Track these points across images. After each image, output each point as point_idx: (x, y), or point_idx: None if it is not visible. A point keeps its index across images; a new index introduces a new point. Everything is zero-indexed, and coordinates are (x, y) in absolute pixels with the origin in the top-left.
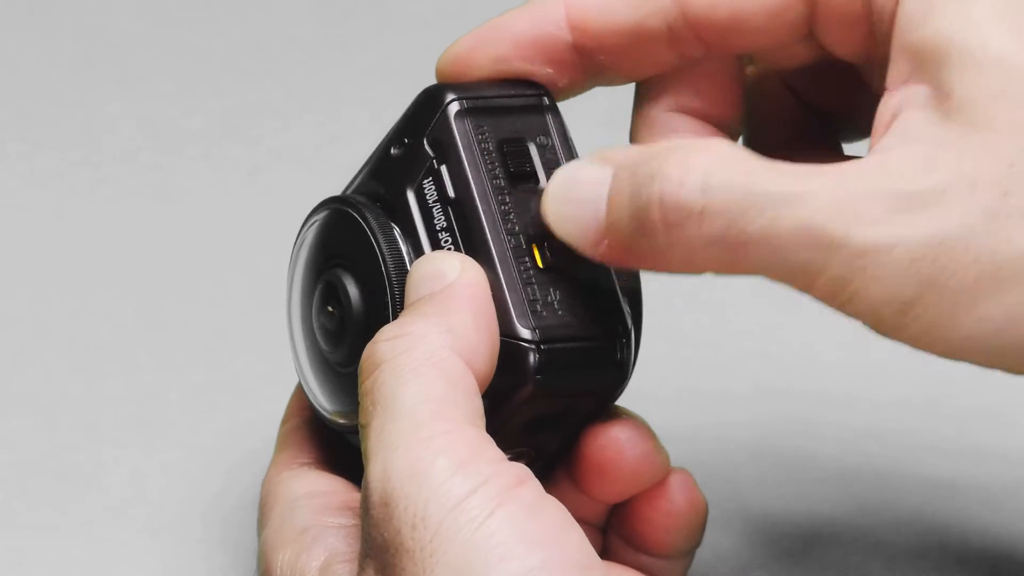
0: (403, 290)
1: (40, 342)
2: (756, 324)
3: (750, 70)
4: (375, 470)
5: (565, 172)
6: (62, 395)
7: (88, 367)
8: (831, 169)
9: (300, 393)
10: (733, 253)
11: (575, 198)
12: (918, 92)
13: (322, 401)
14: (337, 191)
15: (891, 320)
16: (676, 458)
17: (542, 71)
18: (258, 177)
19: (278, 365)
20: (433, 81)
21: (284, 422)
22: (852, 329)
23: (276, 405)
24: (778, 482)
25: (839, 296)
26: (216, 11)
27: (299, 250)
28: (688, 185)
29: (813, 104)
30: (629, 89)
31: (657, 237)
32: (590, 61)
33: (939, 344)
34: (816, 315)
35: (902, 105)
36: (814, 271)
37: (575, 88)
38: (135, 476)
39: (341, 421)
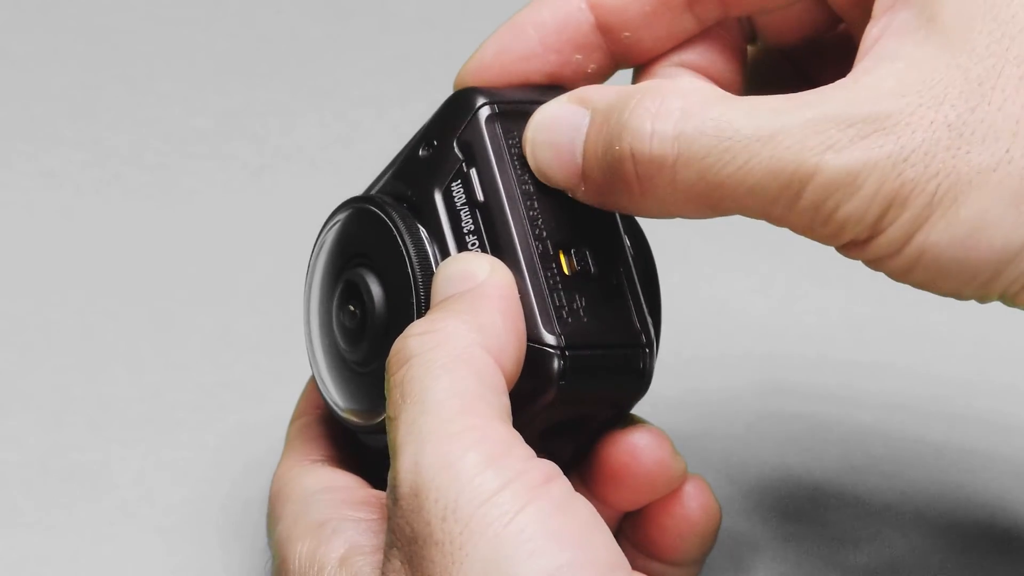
0: (428, 291)
1: (47, 341)
2: (758, 322)
3: (752, 49)
4: (405, 462)
5: (543, 113)
6: (69, 394)
7: (95, 366)
8: (804, 99)
9: (311, 390)
10: (709, 197)
11: (554, 143)
12: (903, 17)
13: (337, 399)
14: (342, 190)
15: (862, 236)
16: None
17: (571, 58)
18: (264, 177)
19: (286, 364)
20: (439, 80)
21: (295, 419)
22: (856, 328)
23: (284, 404)
24: (783, 481)
25: (814, 222)
26: (222, 11)
27: (321, 247)
28: (659, 135)
29: (812, 78)
30: None
31: (631, 187)
32: (614, 41)
33: (898, 260)
34: (819, 313)
35: (885, 30)
36: (789, 202)
37: (603, 73)
38: (142, 475)
39: (355, 420)
